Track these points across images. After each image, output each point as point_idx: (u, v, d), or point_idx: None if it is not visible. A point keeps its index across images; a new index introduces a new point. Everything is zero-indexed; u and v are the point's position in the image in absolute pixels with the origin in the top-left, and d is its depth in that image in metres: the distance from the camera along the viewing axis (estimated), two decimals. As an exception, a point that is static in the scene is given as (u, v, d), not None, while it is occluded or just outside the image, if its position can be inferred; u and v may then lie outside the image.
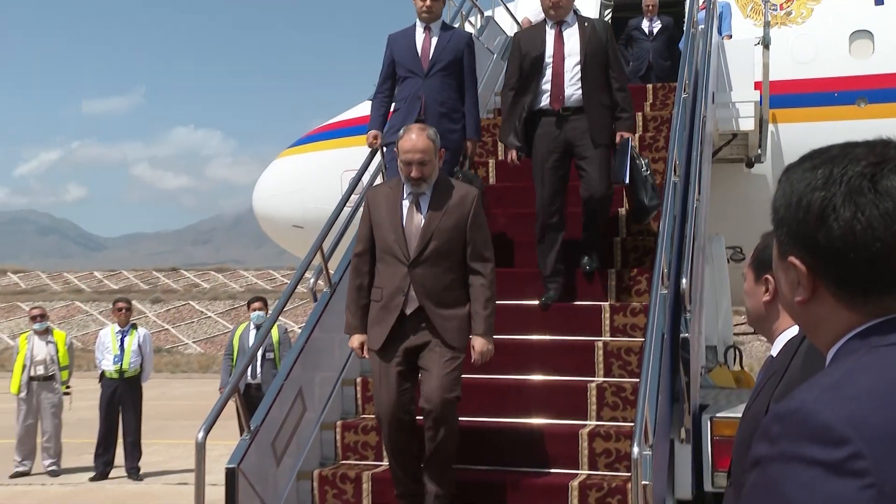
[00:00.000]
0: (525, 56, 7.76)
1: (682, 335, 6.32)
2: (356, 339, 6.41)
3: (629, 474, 5.71)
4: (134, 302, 15.98)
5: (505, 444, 6.54)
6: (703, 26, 10.19)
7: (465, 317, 6.20)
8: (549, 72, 7.65)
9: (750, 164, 12.18)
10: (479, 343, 6.13)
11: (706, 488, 6.23)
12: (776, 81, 11.77)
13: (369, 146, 8.17)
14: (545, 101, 7.82)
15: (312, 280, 7.37)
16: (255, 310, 13.23)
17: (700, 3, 11.59)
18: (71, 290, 48.50)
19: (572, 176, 7.88)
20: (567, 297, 7.66)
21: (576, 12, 7.85)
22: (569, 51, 7.66)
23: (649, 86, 11.22)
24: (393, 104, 8.25)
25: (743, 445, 2.77)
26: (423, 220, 6.26)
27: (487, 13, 12.28)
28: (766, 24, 11.99)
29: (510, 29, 12.46)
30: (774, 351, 3.16)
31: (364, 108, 14.03)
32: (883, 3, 12.93)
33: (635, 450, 5.09)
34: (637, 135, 9.62)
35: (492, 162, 9.52)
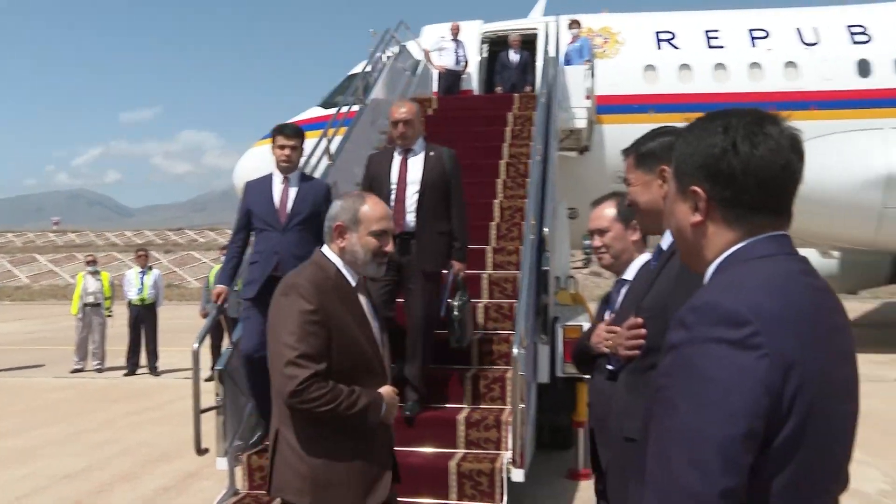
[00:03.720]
0: (373, 178, 5.68)
1: (544, 268, 6.26)
2: None
3: (508, 367, 5.71)
4: (152, 252, 16.41)
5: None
6: (552, 56, 10.63)
7: None
8: (392, 197, 5.52)
9: (581, 153, 12.82)
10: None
11: (558, 374, 6.20)
12: (599, 95, 12.45)
13: (215, 302, 5.61)
14: None
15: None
16: (224, 254, 12.92)
17: (569, 39, 12.72)
18: (109, 244, 48.98)
19: None
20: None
21: (425, 140, 5.78)
22: (411, 178, 5.57)
23: (516, 95, 11.27)
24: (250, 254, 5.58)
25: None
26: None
27: (403, 43, 12.09)
28: (593, 56, 12.81)
29: (418, 54, 12.47)
30: (629, 275, 3.02)
31: (314, 112, 13.81)
32: (661, 48, 14.12)
33: (515, 350, 4.96)
34: (507, 128, 9.46)
35: None
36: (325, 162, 7.88)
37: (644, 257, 3.04)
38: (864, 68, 13.52)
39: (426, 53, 12.61)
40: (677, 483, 1.25)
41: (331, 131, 8.25)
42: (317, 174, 7.72)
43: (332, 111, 9.47)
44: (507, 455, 5.04)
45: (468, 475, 4.93)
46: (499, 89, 12.45)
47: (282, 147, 5.41)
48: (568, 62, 12.18)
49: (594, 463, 2.96)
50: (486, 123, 9.82)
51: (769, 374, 1.25)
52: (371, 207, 2.96)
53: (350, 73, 13.86)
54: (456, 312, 5.60)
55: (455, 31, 12.73)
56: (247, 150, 15.42)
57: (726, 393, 1.24)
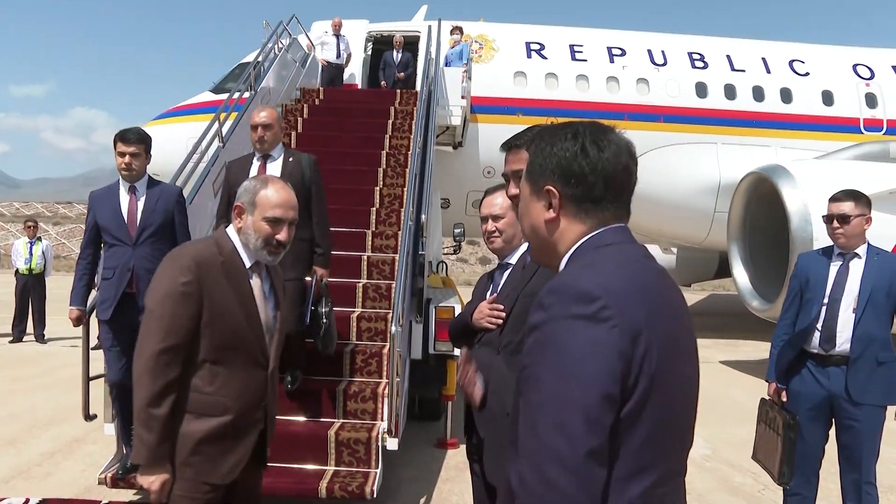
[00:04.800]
0: (232, 185, 4.85)
1: (420, 252, 6.24)
2: None
3: (385, 344, 5.68)
4: (41, 224, 15.29)
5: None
6: (433, 58, 10.63)
7: None
8: None
9: (455, 147, 12.89)
10: None
11: (430, 351, 6.21)
12: (474, 96, 12.57)
13: (74, 325, 4.83)
14: None
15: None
16: None
17: (450, 44, 12.73)
18: None
19: None
20: (342, 225, 7.17)
21: (284, 146, 5.27)
22: None
23: (398, 90, 11.27)
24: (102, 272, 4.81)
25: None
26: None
27: (295, 37, 11.89)
28: (469, 60, 12.77)
29: (306, 47, 12.19)
30: (513, 259, 3.07)
31: (205, 96, 13.31)
32: (531, 57, 14.27)
33: (393, 327, 4.98)
34: (389, 121, 9.39)
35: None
36: (216, 144, 7.63)
37: (524, 246, 3.08)
38: (701, 89, 14.23)
39: (311, 46, 12.40)
40: (545, 447, 1.28)
41: (222, 116, 7.94)
42: (207, 156, 7.43)
43: (223, 96, 9.16)
44: (382, 425, 5.01)
45: (346, 443, 4.87)
46: (383, 84, 12.38)
47: (122, 154, 4.61)
48: (448, 64, 12.26)
49: (468, 428, 2.99)
50: (369, 115, 9.72)
51: (620, 341, 1.32)
52: (271, 193, 2.71)
53: (242, 61, 13.45)
54: (324, 320, 5.13)
55: (337, 27, 12.52)
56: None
57: (584, 361, 1.30)
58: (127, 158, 4.61)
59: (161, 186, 4.81)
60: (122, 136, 4.63)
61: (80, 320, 4.73)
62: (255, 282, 2.74)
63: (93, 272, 4.78)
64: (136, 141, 4.63)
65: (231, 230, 2.77)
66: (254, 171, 5.01)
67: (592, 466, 1.27)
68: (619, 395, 1.32)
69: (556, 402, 1.29)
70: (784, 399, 4.20)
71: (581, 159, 1.49)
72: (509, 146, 2.62)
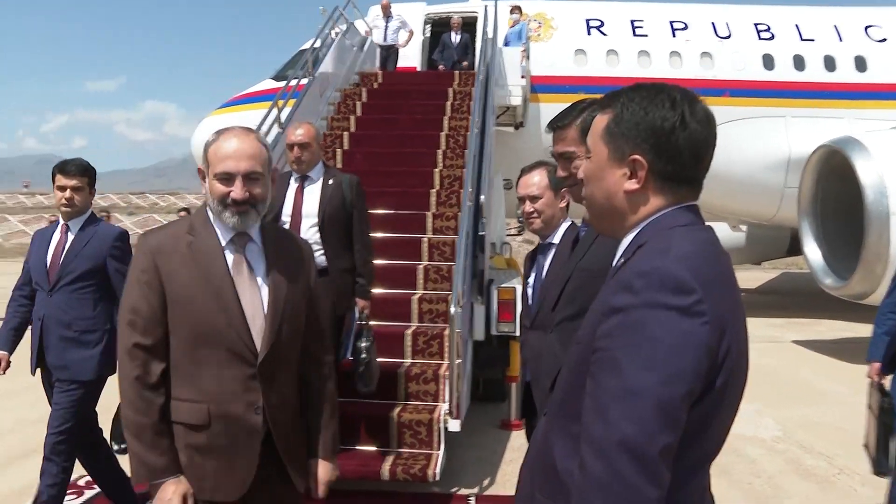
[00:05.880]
0: (268, 210, 4.08)
1: (480, 233, 6.16)
2: None
3: (446, 325, 5.60)
4: (115, 214, 15.62)
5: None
6: (491, 37, 10.53)
7: None
8: None
9: (517, 128, 12.79)
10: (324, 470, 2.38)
11: (492, 332, 6.11)
12: (534, 76, 12.42)
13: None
14: None
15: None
16: (181, 215, 12.58)
17: (509, 23, 12.65)
18: None
19: None
20: (402, 208, 7.20)
21: (325, 165, 4.72)
22: (307, 211, 4.47)
23: (456, 72, 11.09)
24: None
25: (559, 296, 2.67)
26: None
27: (352, 21, 11.87)
28: (528, 40, 12.67)
29: (364, 31, 12.26)
30: (556, 238, 2.98)
31: (267, 84, 13.48)
32: (590, 35, 13.94)
33: (452, 309, 4.89)
34: (448, 102, 9.31)
35: (339, 153, 8.53)
36: (275, 130, 7.71)
37: (567, 223, 3.02)
38: (768, 62, 13.73)
39: (369, 31, 12.39)
40: (617, 437, 1.19)
41: (280, 102, 8.02)
42: (268, 140, 7.49)
43: (283, 83, 9.21)
44: (444, 406, 4.97)
45: (408, 425, 4.85)
46: (441, 67, 12.26)
47: (61, 188, 3.87)
48: (507, 44, 12.12)
49: (527, 412, 2.92)
50: (427, 97, 9.65)
51: (710, 337, 1.24)
52: (221, 143, 2.17)
53: (301, 48, 13.54)
54: (364, 355, 4.62)
55: (385, 9, 12.38)
56: (203, 120, 14.97)
57: (672, 355, 1.21)
58: (68, 193, 3.87)
59: (99, 227, 3.99)
60: (62, 169, 3.90)
61: (1, 364, 3.97)
62: (236, 259, 2.20)
63: (24, 316, 4.01)
64: (77, 174, 3.90)
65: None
66: (290, 193, 4.53)
67: (664, 463, 1.19)
68: (699, 391, 1.24)
69: (635, 393, 1.20)
70: (884, 381, 3.92)
71: (679, 132, 1.36)
72: (555, 126, 2.50)
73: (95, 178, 4.04)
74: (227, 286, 2.15)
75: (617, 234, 1.46)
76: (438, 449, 4.77)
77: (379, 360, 5.39)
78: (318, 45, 9.84)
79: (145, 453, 2.09)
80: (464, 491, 4.78)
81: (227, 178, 2.15)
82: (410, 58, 12.97)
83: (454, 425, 4.82)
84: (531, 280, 3.03)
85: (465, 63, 11.93)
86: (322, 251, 4.41)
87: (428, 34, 13.85)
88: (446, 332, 5.51)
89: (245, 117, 12.00)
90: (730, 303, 1.30)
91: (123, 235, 4.04)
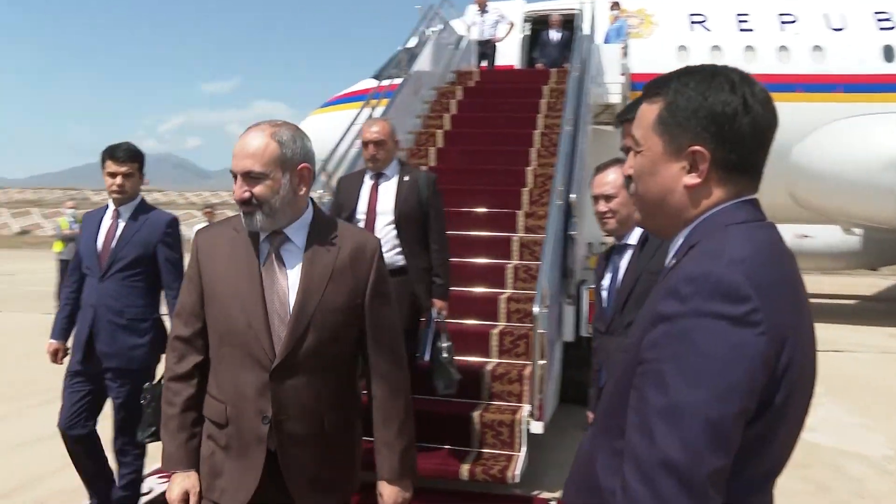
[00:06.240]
0: (341, 207, 4.47)
1: (570, 232, 6.05)
2: None
3: (532, 325, 5.43)
4: (225, 210, 16.41)
5: (454, 302, 5.98)
6: (588, 34, 10.37)
7: None
8: None
9: (616, 126, 12.43)
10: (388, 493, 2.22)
11: (582, 333, 6.01)
12: (635, 73, 12.18)
13: (51, 361, 4.05)
14: None
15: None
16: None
17: (610, 19, 12.52)
18: (189, 203, 52.19)
19: None
20: (493, 206, 7.15)
21: (400, 163, 4.55)
22: (382, 208, 4.36)
23: (553, 69, 10.94)
24: None
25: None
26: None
27: (448, 20, 11.86)
28: (627, 37, 12.43)
29: (460, 30, 12.22)
30: (632, 240, 2.86)
31: (364, 84, 13.66)
32: (693, 30, 13.74)
33: (535, 308, 4.82)
34: (543, 100, 9.19)
35: (433, 151, 8.58)
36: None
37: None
38: (889, 53, 12.91)
39: (466, 29, 12.39)
40: (662, 458, 1.08)
41: (373, 102, 8.14)
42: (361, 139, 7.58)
43: (384, 83, 9.31)
44: (527, 408, 4.89)
45: (490, 425, 4.79)
46: (539, 65, 12.12)
47: (112, 174, 3.86)
48: (606, 41, 11.88)
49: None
50: (522, 95, 9.55)
51: (766, 349, 1.11)
52: (237, 144, 2.08)
53: (402, 46, 13.71)
54: (445, 355, 4.48)
55: (482, 5, 12.27)
56: (304, 119, 15.33)
57: (723, 370, 1.09)
58: (118, 179, 3.86)
59: (150, 214, 3.99)
60: (112, 154, 3.88)
61: (58, 354, 4.02)
62: (269, 259, 2.10)
63: (75, 303, 4.00)
64: (127, 159, 3.90)
65: None
66: (365, 190, 4.44)
67: (713, 488, 1.08)
68: (754, 409, 1.12)
69: (682, 412, 1.09)
70: None
71: (743, 117, 1.22)
72: (623, 118, 2.39)
73: (144, 163, 4.01)
74: (253, 286, 2.07)
75: (670, 234, 1.34)
76: (520, 450, 4.69)
77: (464, 358, 5.40)
78: (413, 44, 9.90)
79: (166, 442, 2.12)
80: (545, 494, 4.68)
81: (234, 177, 2.08)
82: (509, 56, 12.89)
83: (537, 427, 4.73)
84: (605, 283, 2.93)
85: (566, 65, 11.80)
86: (399, 250, 4.32)
87: (528, 32, 13.74)
88: (532, 332, 5.42)
89: (343, 117, 12.26)
90: (792, 310, 1.17)
91: (174, 222, 4.04)
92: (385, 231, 4.31)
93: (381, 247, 2.24)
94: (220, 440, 2.10)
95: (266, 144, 2.04)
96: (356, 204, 4.42)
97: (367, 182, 4.46)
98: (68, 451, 3.94)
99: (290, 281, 2.09)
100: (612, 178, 2.88)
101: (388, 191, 4.41)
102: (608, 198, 2.89)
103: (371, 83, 13.57)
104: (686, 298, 1.13)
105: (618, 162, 2.94)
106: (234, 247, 2.13)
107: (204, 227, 2.27)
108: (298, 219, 2.13)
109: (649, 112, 1.31)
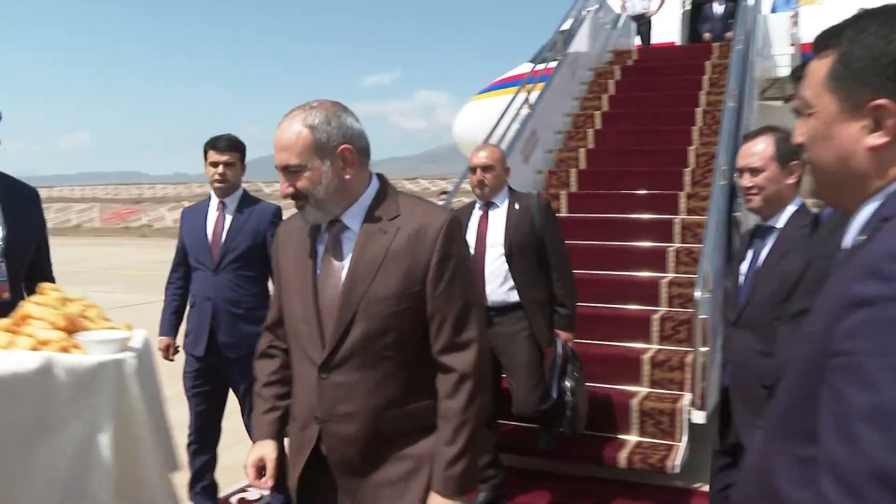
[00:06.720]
0: None
1: (734, 213, 5.71)
2: None
3: (694, 310, 5.24)
4: None
5: (613, 287, 5.92)
6: (752, 3, 9.74)
7: None
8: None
9: (786, 101, 11.77)
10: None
11: (746, 319, 5.65)
12: (805, 44, 11.36)
13: (163, 357, 3.96)
14: None
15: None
16: (441, 197, 13.44)
17: None
18: None
19: None
20: (654, 187, 6.94)
21: (511, 190, 4.16)
22: (492, 240, 4.01)
23: (715, 44, 10.43)
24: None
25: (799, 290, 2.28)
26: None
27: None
28: (797, 3, 11.62)
29: (617, 8, 11.88)
30: (780, 222, 2.58)
31: (522, 68, 13.57)
32: None
33: (697, 293, 4.58)
34: (705, 77, 8.77)
35: (591, 132, 8.51)
36: (525, 111, 7.78)
37: (794, 206, 2.58)
38: None
39: (623, 7, 12.01)
40: (868, 467, 0.90)
41: (528, 86, 8.10)
42: (517, 124, 7.57)
43: (541, 66, 9.21)
44: (689, 396, 4.71)
45: (650, 413, 4.67)
46: (706, 37, 11.53)
47: (214, 164, 3.88)
48: (774, 10, 11.14)
49: (723, 420, 2.67)
50: (683, 72, 9.14)
51: None
52: (274, 135, 1.94)
53: (559, 28, 13.55)
54: (569, 396, 4.07)
55: None
56: (464, 107, 15.44)
57: None
58: (220, 169, 3.86)
59: (257, 205, 3.98)
60: (214, 145, 3.90)
61: (168, 350, 4.04)
62: (326, 248, 1.98)
63: (183, 298, 4.06)
64: (228, 149, 3.89)
65: None
66: (474, 221, 4.11)
67: None
68: None
69: (892, 411, 0.90)
70: None
71: None
72: (798, 75, 2.18)
73: (245, 153, 3.98)
74: (307, 275, 1.97)
75: (851, 206, 1.16)
76: (680, 440, 4.54)
77: (623, 344, 5.29)
78: (569, 25, 9.73)
79: (255, 416, 2.14)
80: (706, 487, 4.51)
81: (279, 171, 1.94)
82: (668, 33, 12.38)
83: (699, 417, 4.54)
84: (744, 267, 2.66)
85: (729, 34, 11.20)
86: (511, 284, 3.97)
87: (688, 6, 13.12)
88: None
89: (500, 102, 12.28)
90: None
91: (279, 212, 3.97)
92: (496, 264, 4.00)
93: (450, 224, 1.94)
94: (291, 435, 2.08)
95: (298, 133, 1.88)
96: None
97: (476, 212, 4.14)
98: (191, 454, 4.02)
99: (344, 271, 1.94)
100: (759, 149, 2.60)
101: (498, 220, 4.07)
102: (754, 171, 2.60)
103: (528, 67, 13.51)
104: (891, 278, 0.95)
105: (769, 130, 2.65)
106: (299, 239, 2.03)
107: (284, 220, 2.20)
108: (355, 203, 1.97)
109: (819, 68, 1.16)
